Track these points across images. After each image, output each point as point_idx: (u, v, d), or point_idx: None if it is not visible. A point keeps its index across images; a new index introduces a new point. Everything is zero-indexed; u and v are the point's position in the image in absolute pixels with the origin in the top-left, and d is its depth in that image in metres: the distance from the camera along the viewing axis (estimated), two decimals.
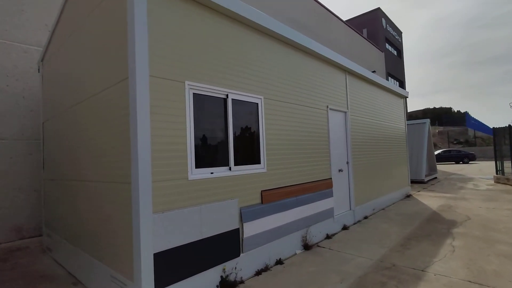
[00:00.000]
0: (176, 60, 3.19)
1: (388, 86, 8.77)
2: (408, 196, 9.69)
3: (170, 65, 3.12)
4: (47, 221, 5.44)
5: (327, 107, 5.83)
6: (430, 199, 9.03)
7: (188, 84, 3.30)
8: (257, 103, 4.22)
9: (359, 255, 4.48)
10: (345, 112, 6.56)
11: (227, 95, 3.76)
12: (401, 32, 33.80)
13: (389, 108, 9.05)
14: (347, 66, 6.48)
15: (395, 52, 31.89)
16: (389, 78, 29.28)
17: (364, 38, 23.67)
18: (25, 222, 6.30)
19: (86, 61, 3.85)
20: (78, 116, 4.09)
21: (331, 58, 5.85)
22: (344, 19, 22.12)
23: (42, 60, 5.64)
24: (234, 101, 3.86)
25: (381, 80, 8.25)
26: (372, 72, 23.15)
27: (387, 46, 29.96)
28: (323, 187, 5.47)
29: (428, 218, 6.69)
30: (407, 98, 10.48)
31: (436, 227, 5.87)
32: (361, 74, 7.12)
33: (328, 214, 5.56)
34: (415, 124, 14.98)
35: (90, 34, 3.73)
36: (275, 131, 4.49)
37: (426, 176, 14.16)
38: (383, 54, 27.16)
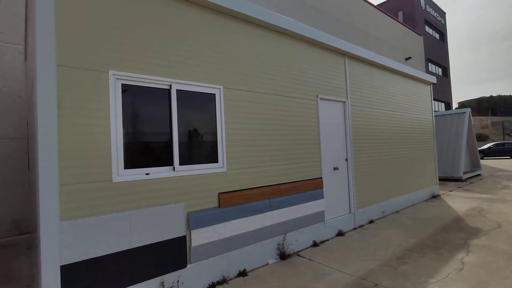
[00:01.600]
0: (95, 46, 2.82)
1: (406, 72, 7.66)
2: (435, 196, 8.49)
3: (86, 53, 2.75)
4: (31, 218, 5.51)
5: (317, 96, 5.12)
6: (460, 201, 7.79)
7: (114, 74, 2.92)
8: (214, 94, 3.72)
9: (340, 270, 3.81)
10: (344, 102, 5.76)
11: (170, 85, 3.32)
12: (445, 13, 30.47)
13: (408, 96, 7.93)
14: (344, 50, 5.66)
15: (437, 36, 28.87)
16: (430, 64, 26.64)
17: (398, 21, 21.64)
18: (23, 218, 6.52)
19: None
20: None
21: (320, 40, 5.11)
22: (376, 3, 20.39)
23: (25, 60, 5.69)
24: (180, 92, 3.41)
25: (395, 65, 7.20)
26: (407, 59, 21.21)
27: (427, 29, 27.20)
28: (309, 188, 4.82)
29: (446, 224, 5.67)
30: (433, 85, 9.16)
31: (452, 237, 4.91)
32: (366, 58, 6.22)
33: (316, 218, 4.90)
34: (453, 115, 13.25)
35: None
36: (241, 126, 3.96)
37: (465, 173, 12.50)
38: (421, 38, 24.68)
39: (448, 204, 7.46)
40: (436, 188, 8.82)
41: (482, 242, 4.58)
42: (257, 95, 4.19)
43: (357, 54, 5.97)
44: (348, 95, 5.81)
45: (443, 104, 28.39)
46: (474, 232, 5.09)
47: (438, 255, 4.16)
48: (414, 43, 23.69)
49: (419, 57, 23.69)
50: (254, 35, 4.22)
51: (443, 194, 8.96)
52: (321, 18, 13.56)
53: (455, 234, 5.04)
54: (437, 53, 27.77)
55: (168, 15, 3.36)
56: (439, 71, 28.55)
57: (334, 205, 5.38)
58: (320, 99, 5.20)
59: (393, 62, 7.12)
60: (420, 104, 8.48)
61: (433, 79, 8.97)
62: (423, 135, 8.45)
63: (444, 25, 30.30)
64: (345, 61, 5.83)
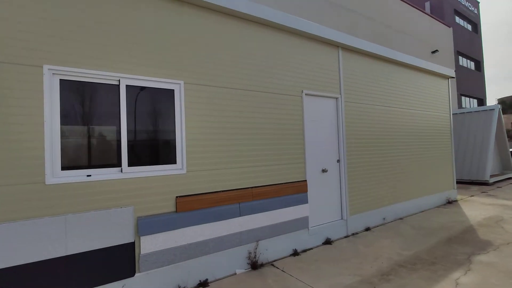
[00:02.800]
0: (27, 40, 2.64)
1: (416, 65, 6.95)
2: (450, 202, 7.69)
3: (14, 46, 2.58)
4: None
5: (302, 92, 4.69)
6: (479, 208, 6.97)
7: (50, 69, 2.73)
8: (173, 89, 3.45)
9: (311, 285, 3.40)
10: (337, 98, 5.27)
11: (119, 81, 3.09)
12: (478, 2, 28.12)
13: (420, 92, 7.21)
14: (337, 40, 5.16)
15: (468, 27, 26.73)
16: (460, 58, 24.76)
17: (424, 12, 20.24)
18: None
19: None
20: None
21: (307, 31, 4.66)
22: None
23: None
24: (131, 87, 3.17)
25: (403, 57, 6.53)
26: (433, 52, 19.86)
27: (458, 20, 25.25)
28: (290, 192, 4.42)
29: (453, 235, 5.02)
30: (451, 79, 8.27)
31: (454, 251, 4.30)
32: (365, 50, 5.66)
33: (298, 224, 4.49)
34: (480, 112, 12.08)
35: None
36: (207, 124, 3.66)
37: (493, 176, 11.34)
38: (450, 29, 22.95)
39: (463, 212, 6.69)
40: (453, 193, 8.00)
41: (488, 259, 3.95)
42: (228, 91, 3.86)
43: (353, 45, 5.44)
44: (342, 90, 5.31)
45: (475, 101, 26.30)
46: (483, 246, 4.43)
47: (431, 273, 3.61)
48: (442, 35, 22.09)
49: (447, 50, 22.06)
50: (224, 26, 3.89)
51: (462, 199, 8.10)
52: (336, 11, 12.88)
53: (459, 248, 4.41)
54: (469, 46, 25.72)
55: (115, 2, 3.13)
56: (471, 65, 26.45)
57: (322, 210, 4.93)
58: (306, 95, 4.77)
59: (400, 54, 6.47)
60: (435, 101, 7.70)
61: (451, 73, 8.12)
62: (438, 135, 7.67)
63: (477, 16, 28.00)
64: (338, 53, 5.33)
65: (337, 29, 12.00)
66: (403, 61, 6.55)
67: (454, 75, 8.17)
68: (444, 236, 5.00)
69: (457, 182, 11.27)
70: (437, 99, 7.77)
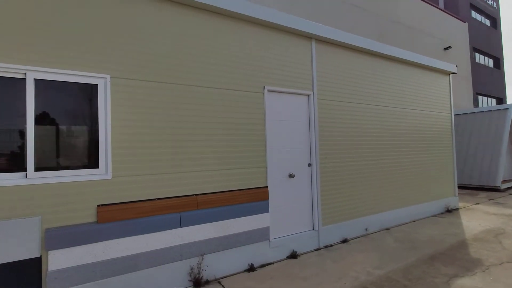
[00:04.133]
0: None
1: (409, 59, 6.30)
2: (449, 211, 6.96)
3: None
4: None
5: (264, 88, 4.21)
6: (480, 218, 6.24)
7: None
8: (97, 84, 3.06)
9: None
10: (309, 95, 4.75)
11: (25, 74, 2.73)
12: None
13: (415, 89, 6.55)
14: (310, 32, 4.65)
15: (487, 22, 25.21)
16: (477, 54, 23.39)
17: (435, 6, 19.19)
18: None
19: None
20: None
21: (270, 21, 4.18)
22: None
23: None
24: (41, 82, 2.81)
25: (391, 50, 5.91)
26: (445, 48, 18.81)
27: (474, 14, 23.85)
28: (246, 199, 3.96)
29: (440, 251, 4.39)
30: (452, 75, 7.51)
31: (435, 271, 3.70)
32: (343, 42, 5.11)
33: (256, 236, 4.02)
34: (492, 112, 11.13)
35: None
36: (138, 123, 3.26)
37: (505, 181, 10.39)
38: (465, 25, 21.69)
39: (460, 222, 5.99)
40: (454, 201, 7.25)
41: (471, 284, 3.34)
42: (169, 87, 3.45)
43: (329, 37, 4.90)
44: (315, 87, 4.79)
45: (493, 100, 24.78)
46: (470, 266, 3.81)
47: None
48: (457, 31, 20.90)
49: (462, 46, 20.86)
50: (161, 11, 3.47)
51: (464, 207, 7.35)
52: (336, 7, 12.27)
53: (441, 268, 3.81)
54: (487, 42, 24.24)
55: None
56: (490, 62, 24.94)
57: (288, 220, 4.43)
58: (269, 91, 4.29)
59: (388, 47, 5.86)
60: (434, 99, 7.00)
61: (452, 68, 7.39)
62: (436, 136, 6.97)
63: (496, 10, 26.40)
64: (311, 45, 4.81)
65: (338, 26, 11.40)
66: (393, 55, 5.94)
67: (455, 71, 7.44)
68: (428, 252, 4.39)
69: (465, 188, 10.42)
70: (436, 97, 7.07)
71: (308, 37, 4.77)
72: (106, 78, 3.09)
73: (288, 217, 4.43)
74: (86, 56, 3.00)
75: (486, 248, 4.44)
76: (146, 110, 3.30)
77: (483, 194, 9.22)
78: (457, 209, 7.14)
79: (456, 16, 21.22)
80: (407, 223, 6.00)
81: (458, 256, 4.17)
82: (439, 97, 7.18)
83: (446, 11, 20.46)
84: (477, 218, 6.23)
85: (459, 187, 10.52)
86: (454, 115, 11.43)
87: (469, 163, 10.64)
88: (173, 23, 3.53)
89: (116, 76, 3.14)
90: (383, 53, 5.76)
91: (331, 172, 4.92)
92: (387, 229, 5.60)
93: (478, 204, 7.76)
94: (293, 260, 4.20)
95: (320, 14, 11.56)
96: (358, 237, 5.14)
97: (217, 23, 3.85)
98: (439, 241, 4.85)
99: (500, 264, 3.85)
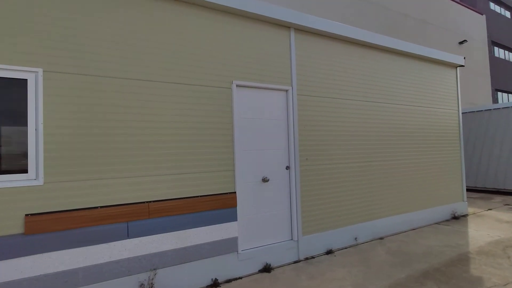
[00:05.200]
0: None
1: (407, 51, 5.71)
2: (456, 217, 6.30)
3: None
4: None
5: (232, 83, 3.80)
6: (490, 226, 5.58)
7: None
8: (26, 79, 2.74)
9: None
10: (287, 91, 4.30)
11: None
12: None
13: (416, 83, 5.95)
14: (287, 20, 4.19)
15: (506, 14, 23.74)
16: (495, 48, 22.06)
17: None
18: None
19: None
20: None
21: (238, 8, 3.76)
22: None
23: None
24: None
25: (385, 41, 5.34)
26: (461, 42, 17.82)
27: (493, 6, 22.51)
28: (210, 206, 3.55)
29: (434, 267, 3.84)
30: (459, 67, 6.81)
31: None
32: (328, 32, 4.62)
33: (223, 247, 3.61)
34: (509, 108, 10.25)
35: None
36: (79, 123, 2.91)
37: None
38: (483, 17, 20.47)
39: (466, 231, 5.36)
40: (462, 206, 6.58)
41: None
42: (116, 82, 3.09)
43: (311, 26, 4.43)
44: (294, 81, 4.33)
45: None
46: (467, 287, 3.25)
47: None
48: (473, 24, 19.75)
49: (479, 40, 19.68)
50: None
51: (474, 214, 6.66)
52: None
53: None
54: (507, 35, 22.82)
55: None
56: (510, 56, 23.47)
57: (261, 229, 3.99)
58: (239, 86, 3.87)
59: (381, 37, 5.31)
60: (438, 94, 6.37)
61: (459, 61, 6.72)
62: (441, 135, 6.33)
63: None
64: (290, 35, 4.36)
65: (341, 19, 10.85)
66: (386, 45, 5.38)
67: (463, 63, 6.76)
68: (422, 267, 3.84)
69: (479, 191, 9.63)
70: (441, 92, 6.43)
71: (286, 26, 4.32)
72: (37, 72, 2.76)
73: (262, 226, 3.99)
74: (14, 49, 2.68)
75: (491, 264, 3.84)
76: (86, 108, 2.95)
77: (498, 199, 8.44)
78: (465, 216, 6.47)
79: (472, 8, 20.05)
80: (405, 232, 5.42)
81: (456, 274, 3.60)
82: (445, 92, 6.52)
83: (461, 3, 19.36)
84: (486, 227, 5.57)
85: (472, 191, 9.75)
86: (468, 112, 10.69)
87: (483, 164, 9.82)
88: (118, 10, 3.17)
89: (51, 70, 2.81)
90: (375, 44, 5.22)
91: (314, 175, 4.44)
92: (381, 238, 5.05)
93: (490, 210, 7.04)
94: (265, 274, 3.76)
95: (321, 6, 11.01)
96: (346, 248, 4.63)
97: (171, 10, 3.47)
98: (437, 254, 4.28)
99: (505, 285, 3.28)
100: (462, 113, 10.65)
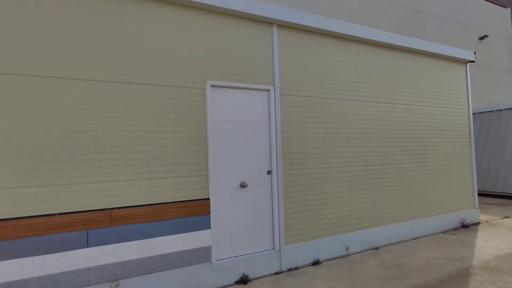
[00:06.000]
0: None
1: (408, 46, 5.31)
2: (466, 226, 5.79)
3: None
4: None
5: (206, 83, 3.60)
6: (503, 237, 5.07)
7: None
8: None
9: None
10: (268, 90, 4.06)
11: None
12: None
13: (419, 81, 5.53)
14: (268, 16, 3.96)
15: None
16: None
17: None
18: None
19: None
20: None
21: (208, 3, 3.56)
22: None
23: None
24: None
25: (377, 35, 4.97)
26: (481, 38, 16.90)
27: None
28: (181, 213, 3.36)
29: (429, 283, 3.46)
30: (469, 63, 6.27)
31: None
32: (315, 28, 4.33)
33: (194, 257, 3.41)
34: None
35: None
36: (24, 126, 2.81)
37: None
38: (507, 10, 19.27)
39: (474, 241, 4.88)
40: (473, 214, 6.05)
41: None
42: (74, 83, 2.97)
43: (296, 22, 4.16)
44: (277, 80, 4.08)
45: None
46: None
47: None
48: (496, 17, 18.63)
49: (502, 35, 18.53)
50: None
51: (486, 222, 6.11)
52: None
53: None
54: None
55: None
56: None
57: (239, 238, 3.76)
58: (214, 87, 3.67)
59: (376, 32, 4.95)
60: (444, 92, 5.90)
61: (469, 56, 6.21)
62: (447, 136, 5.85)
63: None
64: (272, 32, 4.11)
65: (350, 18, 10.48)
66: (385, 41, 5.01)
67: (473, 58, 6.24)
68: (414, 283, 3.47)
69: (498, 197, 8.93)
70: (448, 90, 5.95)
71: (268, 22, 4.08)
72: None
73: (240, 234, 3.76)
74: None
75: (495, 282, 3.42)
76: (43, 111, 2.84)
77: None
78: (476, 224, 5.94)
79: (495, 1, 18.92)
80: (405, 241, 5.01)
81: None
82: (453, 90, 6.04)
83: None
84: (498, 237, 5.06)
85: (490, 196, 9.07)
86: (487, 111, 9.98)
87: (503, 167, 9.10)
88: (78, 19, 3.05)
89: None
90: (370, 40, 4.87)
91: (299, 180, 4.16)
92: (376, 248, 4.68)
93: (507, 217, 6.45)
94: (241, 286, 3.52)
95: (329, 4, 10.66)
96: (335, 258, 4.31)
97: (140, 9, 3.32)
98: (435, 267, 3.88)
99: None
100: (474, 113, 10.00)
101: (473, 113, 10.13)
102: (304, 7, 9.07)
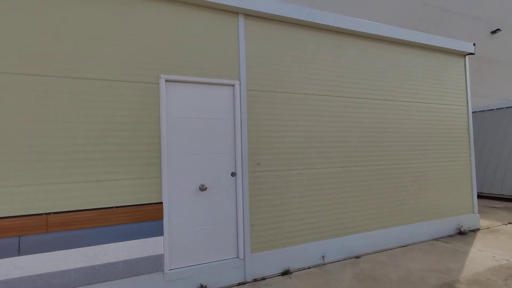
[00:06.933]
0: None
1: (395, 37, 4.89)
2: (463, 232, 5.32)
3: None
4: None
5: (159, 78, 3.33)
6: (503, 246, 4.60)
7: None
8: None
9: None
10: (233, 85, 3.75)
11: None
12: None
13: (411, 75, 5.10)
14: (233, 5, 3.65)
15: None
16: None
17: None
18: None
19: None
20: None
21: None
22: None
23: None
24: None
25: (362, 26, 4.57)
26: (493, 32, 16.09)
27: None
28: (128, 219, 3.10)
29: None
30: (468, 56, 5.76)
31: None
32: (286, 17, 3.99)
33: (144, 266, 3.14)
34: None
35: None
36: None
37: None
38: None
39: (467, 250, 4.43)
40: (472, 219, 5.56)
41: None
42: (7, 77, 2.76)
43: (265, 11, 3.84)
44: (243, 74, 3.76)
45: None
46: None
47: None
48: (509, 10, 17.66)
49: None
50: None
51: (487, 228, 5.62)
52: None
53: None
54: None
55: None
56: None
57: (198, 245, 3.47)
58: (169, 81, 3.39)
59: (361, 22, 4.56)
60: (440, 88, 5.44)
61: (468, 47, 5.72)
62: (443, 135, 5.39)
63: None
64: (238, 22, 3.80)
65: (352, 12, 10.06)
66: (372, 33, 4.62)
67: (473, 51, 5.75)
68: None
69: (505, 200, 8.34)
70: (443, 85, 5.49)
71: (234, 12, 3.77)
72: None
73: (198, 241, 3.47)
74: None
75: None
76: None
77: None
78: (475, 231, 5.46)
79: None
80: (391, 249, 4.61)
81: None
82: (450, 85, 5.57)
83: None
84: (496, 246, 4.60)
85: (497, 199, 8.49)
86: (497, 109, 9.36)
87: (511, 168, 8.49)
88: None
89: None
90: (354, 31, 4.49)
91: (268, 182, 3.84)
92: (357, 257, 4.31)
93: (511, 223, 5.93)
94: None
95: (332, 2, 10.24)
96: (309, 268, 3.96)
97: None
98: (415, 281, 3.49)
99: None
100: (480, 111, 9.42)
101: (474, 111, 9.54)
102: (298, 1, 8.69)
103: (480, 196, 8.85)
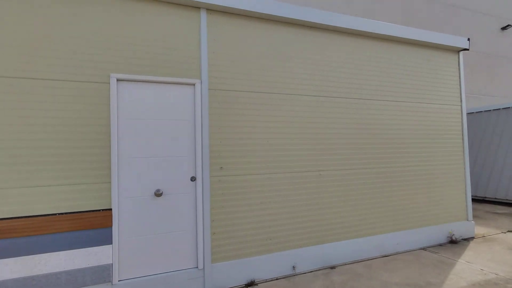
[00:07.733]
0: None
1: (382, 33, 4.58)
2: (454, 241, 4.94)
3: None
4: None
5: (110, 77, 3.14)
6: (495, 257, 4.23)
7: None
8: None
9: None
10: (194, 85, 3.53)
11: None
12: None
13: (398, 73, 4.78)
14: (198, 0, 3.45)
15: None
16: None
17: None
18: None
19: None
20: None
21: None
22: None
23: None
24: None
25: (339, 21, 4.27)
26: (503, 28, 15.46)
27: None
28: (72, 227, 2.93)
29: None
30: (462, 51, 5.36)
31: None
32: (254, 12, 3.75)
33: (90, 277, 2.96)
34: None
35: None
36: None
37: None
38: None
39: (454, 262, 4.08)
40: (465, 226, 5.17)
41: None
42: None
43: (229, 6, 3.61)
44: (204, 73, 3.54)
45: None
46: None
47: None
48: None
49: None
50: None
51: (483, 236, 5.22)
52: None
53: None
54: None
55: None
56: None
57: (153, 254, 3.26)
58: (120, 80, 3.20)
59: (339, 16, 4.27)
60: (431, 86, 5.09)
61: (462, 43, 5.33)
62: (434, 137, 5.04)
63: None
64: (200, 17, 3.58)
65: (350, 8, 9.75)
66: (353, 28, 4.33)
67: (467, 46, 5.36)
68: None
69: (510, 205, 7.84)
70: (434, 83, 5.13)
71: (195, 6, 3.56)
72: None
73: (152, 250, 3.26)
74: None
75: None
76: None
77: None
78: (468, 239, 5.08)
79: None
80: (371, 259, 4.30)
81: None
82: (441, 84, 5.20)
83: None
84: (487, 258, 4.22)
85: (500, 204, 8.00)
86: (503, 108, 8.85)
87: (509, 172, 7.99)
88: None
89: None
90: (331, 26, 4.21)
91: (232, 188, 3.61)
92: (332, 267, 4.02)
93: (511, 232, 5.50)
94: None
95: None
96: (277, 279, 3.71)
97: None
98: None
99: None
100: (477, 112, 8.95)
101: (471, 112, 9.06)
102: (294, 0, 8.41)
103: (484, 201, 8.38)
